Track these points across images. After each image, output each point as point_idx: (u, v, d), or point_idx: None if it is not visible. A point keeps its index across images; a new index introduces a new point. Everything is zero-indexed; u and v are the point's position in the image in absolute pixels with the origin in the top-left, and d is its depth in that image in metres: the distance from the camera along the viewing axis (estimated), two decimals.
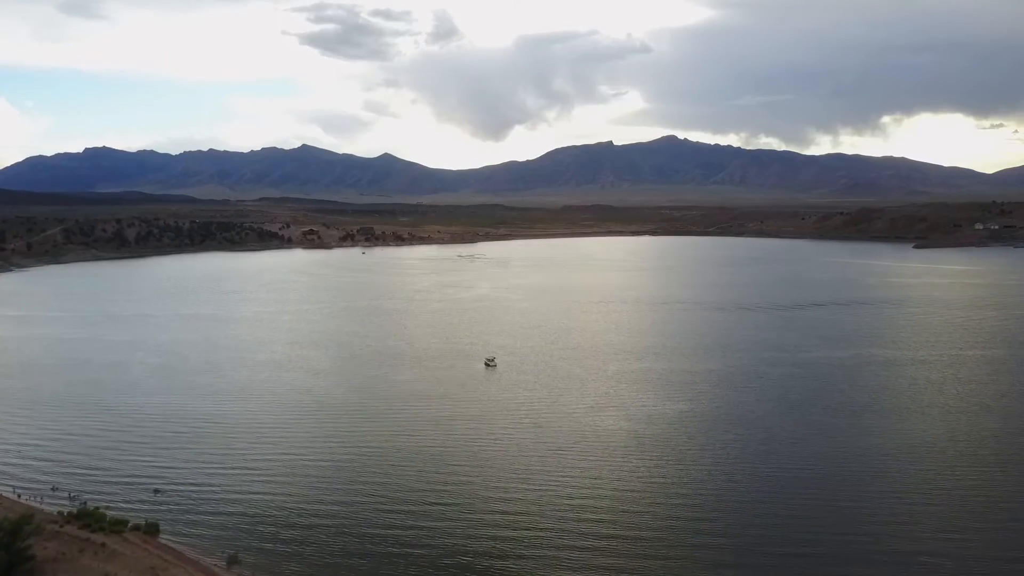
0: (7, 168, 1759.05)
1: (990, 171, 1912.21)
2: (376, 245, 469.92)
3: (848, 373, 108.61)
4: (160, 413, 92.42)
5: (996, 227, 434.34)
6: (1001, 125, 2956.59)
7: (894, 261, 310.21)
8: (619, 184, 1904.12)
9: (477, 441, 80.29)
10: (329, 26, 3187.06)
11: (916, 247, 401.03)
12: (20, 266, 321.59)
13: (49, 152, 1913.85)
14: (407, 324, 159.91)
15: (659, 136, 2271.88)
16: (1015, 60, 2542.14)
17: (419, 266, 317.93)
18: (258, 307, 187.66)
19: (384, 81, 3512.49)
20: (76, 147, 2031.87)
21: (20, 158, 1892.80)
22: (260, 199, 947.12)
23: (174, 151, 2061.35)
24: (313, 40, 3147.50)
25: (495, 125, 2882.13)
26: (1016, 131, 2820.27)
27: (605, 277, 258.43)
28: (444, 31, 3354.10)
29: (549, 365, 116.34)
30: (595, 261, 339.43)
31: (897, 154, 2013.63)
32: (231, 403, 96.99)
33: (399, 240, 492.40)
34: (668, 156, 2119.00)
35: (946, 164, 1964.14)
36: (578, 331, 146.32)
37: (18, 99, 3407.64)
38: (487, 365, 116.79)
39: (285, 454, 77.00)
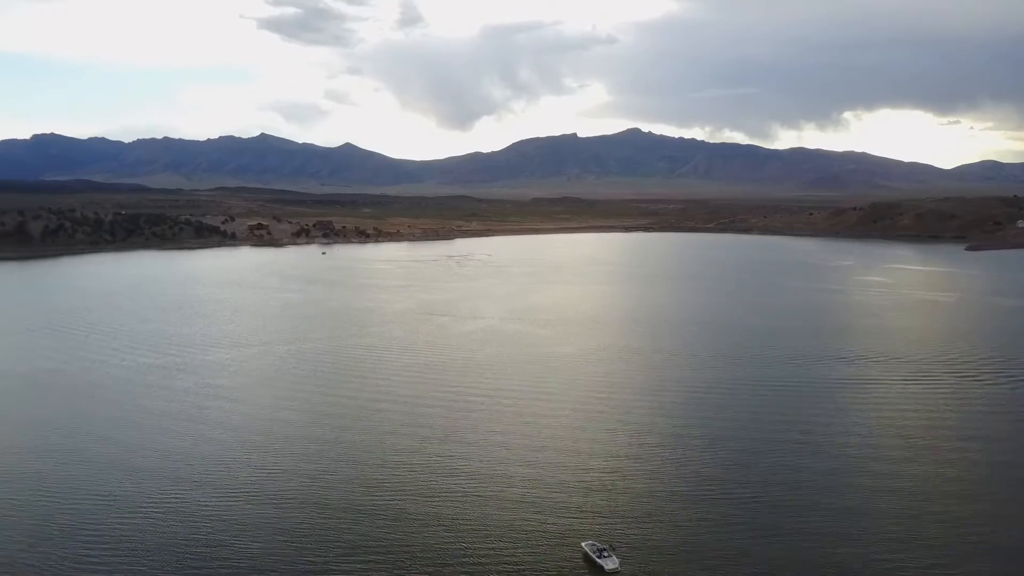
0: None
1: (949, 166, 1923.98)
2: (336, 242, 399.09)
3: None
4: None
5: None
6: (958, 121, 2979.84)
7: (979, 269, 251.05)
8: (585, 176, 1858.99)
9: None
10: (289, 10, 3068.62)
11: (969, 249, 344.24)
12: None
13: None
14: (384, 407, 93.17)
15: (624, 129, 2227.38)
16: (974, 57, 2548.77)
17: (392, 273, 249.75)
18: (146, 355, 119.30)
19: (346, 69, 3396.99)
20: (23, 133, 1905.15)
21: None
22: (216, 188, 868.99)
23: (127, 139, 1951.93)
24: (272, 25, 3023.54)
25: (461, 116, 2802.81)
26: (972, 127, 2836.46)
27: (653, 295, 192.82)
28: (409, 18, 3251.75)
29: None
30: (610, 266, 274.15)
31: (859, 149, 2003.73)
32: None
33: (363, 236, 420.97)
34: (633, 149, 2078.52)
35: (906, 159, 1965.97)
36: (728, 439, 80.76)
37: None
38: (594, 563, 51.58)
39: None
